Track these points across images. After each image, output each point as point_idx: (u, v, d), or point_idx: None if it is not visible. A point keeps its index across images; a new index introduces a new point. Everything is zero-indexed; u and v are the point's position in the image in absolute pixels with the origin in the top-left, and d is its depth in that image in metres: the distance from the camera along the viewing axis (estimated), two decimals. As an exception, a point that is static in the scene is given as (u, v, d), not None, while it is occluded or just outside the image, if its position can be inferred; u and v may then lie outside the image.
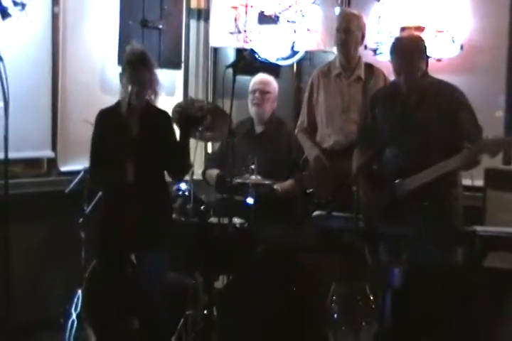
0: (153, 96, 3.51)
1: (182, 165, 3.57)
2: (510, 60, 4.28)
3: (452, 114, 3.35)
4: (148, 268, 3.46)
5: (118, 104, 3.51)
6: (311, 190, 4.06)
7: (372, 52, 4.55)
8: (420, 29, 4.27)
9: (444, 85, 3.48)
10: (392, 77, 3.70)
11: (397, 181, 3.39)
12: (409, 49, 3.47)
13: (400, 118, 3.43)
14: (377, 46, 4.56)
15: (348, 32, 3.97)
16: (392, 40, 3.69)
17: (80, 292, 4.02)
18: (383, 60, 4.51)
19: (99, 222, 3.58)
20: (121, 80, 3.48)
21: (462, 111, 3.37)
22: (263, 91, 4.31)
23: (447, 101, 3.39)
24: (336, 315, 3.04)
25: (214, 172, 4.39)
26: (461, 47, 4.32)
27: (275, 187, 4.13)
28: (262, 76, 4.41)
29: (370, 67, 4.07)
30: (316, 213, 3.67)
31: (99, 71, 4.71)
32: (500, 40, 4.29)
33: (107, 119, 3.52)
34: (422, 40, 3.57)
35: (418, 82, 3.45)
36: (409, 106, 3.44)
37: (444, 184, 3.34)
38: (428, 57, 3.58)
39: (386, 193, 3.40)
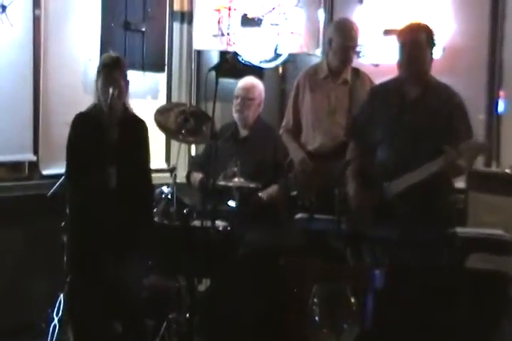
0: (128, 102, 3.54)
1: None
2: (491, 62, 4.32)
3: (447, 117, 3.30)
4: (128, 271, 3.45)
5: (95, 107, 3.51)
6: (294, 193, 4.07)
7: (355, 55, 4.56)
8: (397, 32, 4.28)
9: (443, 87, 3.39)
10: (378, 81, 3.69)
11: (385, 183, 3.37)
12: (418, 37, 3.28)
13: (395, 117, 3.37)
14: (361, 48, 4.58)
15: (355, 43, 4.01)
16: (400, 29, 3.47)
17: (62, 296, 4.01)
18: (366, 63, 4.54)
19: (77, 226, 3.57)
20: (96, 84, 3.49)
21: (457, 116, 3.31)
22: (245, 98, 4.31)
23: (444, 104, 3.32)
24: (317, 318, 3.03)
25: (198, 175, 4.39)
26: (443, 49, 4.36)
27: (260, 195, 4.14)
28: (246, 81, 4.40)
29: (356, 71, 4.10)
30: (298, 216, 3.67)
31: (81, 73, 4.70)
32: (481, 43, 4.34)
33: (85, 123, 3.52)
34: (431, 30, 3.36)
35: (423, 78, 3.33)
36: (406, 106, 3.37)
37: (438, 188, 3.29)
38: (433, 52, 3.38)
39: (375, 195, 3.39)
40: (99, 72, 3.52)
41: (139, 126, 3.60)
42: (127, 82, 3.54)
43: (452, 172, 3.25)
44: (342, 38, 3.97)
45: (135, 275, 3.48)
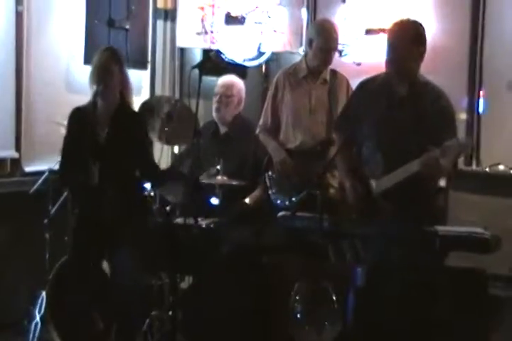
0: (127, 96, 3.52)
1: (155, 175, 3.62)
2: (472, 61, 4.34)
3: (433, 117, 3.28)
4: (123, 266, 3.44)
5: (88, 103, 3.49)
6: (273, 191, 4.07)
7: (337, 54, 4.57)
8: (384, 31, 4.30)
9: (431, 87, 3.37)
10: (354, 81, 3.70)
11: (372, 181, 3.37)
12: (400, 34, 3.28)
13: (381, 113, 3.36)
14: (343, 47, 4.59)
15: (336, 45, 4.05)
16: (390, 26, 3.43)
17: (44, 294, 3.99)
18: (348, 62, 4.55)
19: (75, 222, 3.56)
20: (90, 80, 3.47)
21: (443, 116, 3.30)
22: (225, 95, 4.31)
23: (431, 104, 3.30)
24: (299, 315, 3.05)
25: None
26: (424, 49, 4.37)
27: (246, 201, 4.15)
28: (225, 79, 4.40)
29: (334, 72, 4.14)
30: (280, 214, 3.68)
31: (64, 71, 4.67)
32: (461, 42, 4.35)
33: (79, 118, 3.50)
34: (418, 27, 3.33)
35: (409, 76, 3.31)
36: (394, 103, 3.36)
37: (421, 186, 3.27)
38: (424, 48, 3.33)
39: (363, 193, 3.39)
40: (93, 67, 3.48)
41: (135, 119, 3.57)
42: (125, 76, 3.50)
43: (434, 172, 3.20)
44: (323, 40, 4.00)
45: (130, 270, 3.46)
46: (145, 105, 4.24)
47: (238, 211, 4.09)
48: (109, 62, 3.45)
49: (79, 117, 3.50)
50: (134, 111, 3.60)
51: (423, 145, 3.18)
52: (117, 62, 3.48)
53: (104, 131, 3.44)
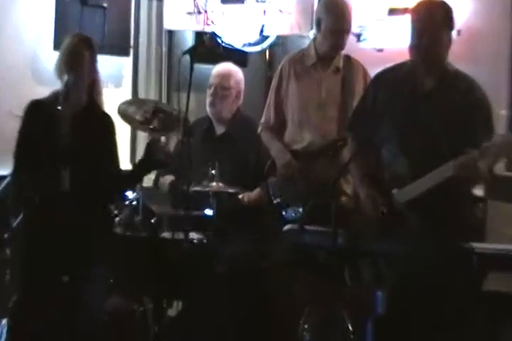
0: (96, 92, 3.54)
1: (117, 190, 3.67)
2: (514, 48, 4.37)
3: (465, 112, 3.28)
4: (85, 293, 3.46)
5: (54, 96, 3.51)
6: (278, 200, 4.09)
7: (355, 38, 4.60)
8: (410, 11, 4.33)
9: (463, 77, 3.36)
10: (374, 71, 3.71)
11: (394, 190, 3.38)
12: (436, 15, 3.25)
13: (405, 111, 3.34)
14: (361, 31, 4.61)
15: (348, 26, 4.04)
16: (414, 6, 3.43)
17: (3, 322, 4.00)
18: (367, 48, 4.57)
19: (24, 238, 3.57)
20: (57, 68, 3.50)
21: (477, 111, 3.29)
22: (221, 87, 4.32)
23: (462, 97, 3.30)
24: (308, 347, 3.06)
25: (168, 178, 4.40)
26: (458, 32, 4.39)
27: (241, 196, 4.16)
28: (222, 67, 4.41)
29: (348, 59, 4.12)
30: (287, 227, 3.70)
31: (30, 56, 4.71)
32: (503, 25, 4.37)
33: (39, 113, 3.52)
34: (448, 7, 3.34)
35: (438, 65, 3.32)
36: (419, 98, 3.35)
37: (454, 196, 3.26)
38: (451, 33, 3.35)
39: (383, 203, 3.40)
40: (62, 53, 3.51)
41: (106, 122, 3.60)
42: (96, 68, 3.54)
43: (472, 177, 3.18)
44: (332, 20, 3.98)
45: (94, 298, 3.48)
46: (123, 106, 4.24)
47: (230, 207, 4.07)
48: (80, 46, 3.48)
49: (38, 112, 3.53)
50: (104, 112, 3.63)
51: (454, 146, 3.18)
52: (89, 48, 3.51)
53: (71, 129, 3.46)
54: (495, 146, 3.06)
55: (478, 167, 3.09)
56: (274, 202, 4.09)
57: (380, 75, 3.57)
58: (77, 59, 3.46)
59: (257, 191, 4.23)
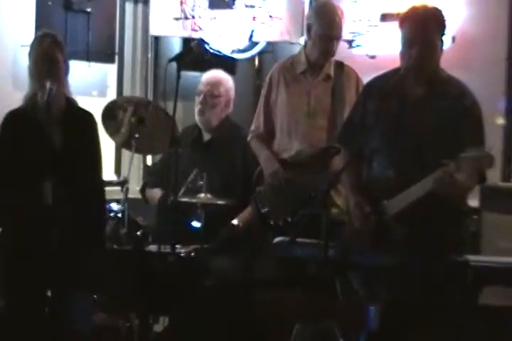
0: (67, 90, 3.51)
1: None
2: (510, 54, 4.36)
3: (455, 120, 3.27)
4: (70, 310, 3.42)
5: (28, 104, 3.47)
6: (266, 210, 4.07)
7: (347, 45, 4.59)
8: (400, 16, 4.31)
9: (454, 83, 3.36)
10: (367, 78, 3.69)
11: (384, 201, 3.36)
12: (427, 21, 3.27)
13: (394, 120, 3.34)
14: (354, 37, 4.61)
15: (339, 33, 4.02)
16: (404, 12, 3.42)
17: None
18: (360, 55, 4.56)
19: (4, 253, 3.52)
20: (33, 73, 3.46)
21: (467, 118, 3.27)
22: (210, 95, 4.30)
23: (453, 103, 3.29)
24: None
25: (157, 192, 4.38)
26: (453, 39, 4.39)
27: (235, 223, 4.14)
28: (212, 74, 4.40)
29: (340, 65, 4.12)
30: (276, 239, 3.67)
31: (10, 62, 4.68)
32: (498, 31, 4.38)
33: (18, 125, 3.48)
34: (440, 12, 3.34)
35: (429, 73, 3.32)
36: (409, 106, 3.34)
37: (444, 207, 3.23)
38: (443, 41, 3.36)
39: (373, 215, 3.38)
40: (36, 59, 3.46)
41: (87, 121, 3.56)
42: (67, 67, 3.51)
43: (450, 190, 3.13)
44: (322, 25, 3.99)
45: (81, 315, 3.44)
46: (109, 106, 4.23)
47: (226, 236, 4.07)
48: (54, 50, 3.45)
49: (16, 123, 3.48)
50: (85, 110, 3.59)
51: (442, 156, 3.14)
52: (61, 49, 3.49)
53: (56, 137, 3.42)
54: (471, 158, 3.01)
55: (455, 179, 3.06)
56: (262, 211, 4.07)
57: (369, 85, 3.56)
58: (55, 64, 3.44)
59: (247, 211, 4.19)
